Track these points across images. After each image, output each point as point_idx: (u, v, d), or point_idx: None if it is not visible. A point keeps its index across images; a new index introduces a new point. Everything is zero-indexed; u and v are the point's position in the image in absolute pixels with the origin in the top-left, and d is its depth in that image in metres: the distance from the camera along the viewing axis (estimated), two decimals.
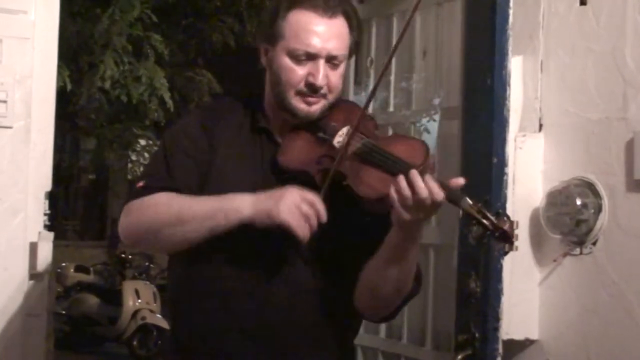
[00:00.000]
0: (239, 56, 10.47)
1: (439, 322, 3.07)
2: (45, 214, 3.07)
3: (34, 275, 3.02)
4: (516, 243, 2.58)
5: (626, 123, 2.50)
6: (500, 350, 2.61)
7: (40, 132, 3.07)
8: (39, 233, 3.03)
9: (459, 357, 2.63)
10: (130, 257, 11.75)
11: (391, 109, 3.37)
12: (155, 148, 4.57)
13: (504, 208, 2.61)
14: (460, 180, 1.92)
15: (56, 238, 3.08)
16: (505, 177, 2.63)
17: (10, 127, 3.02)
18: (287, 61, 2.04)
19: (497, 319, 2.60)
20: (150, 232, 2.05)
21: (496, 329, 2.60)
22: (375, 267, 2.02)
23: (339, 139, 2.05)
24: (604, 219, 2.53)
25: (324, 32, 2.03)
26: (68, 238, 16.58)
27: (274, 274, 2.04)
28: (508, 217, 1.96)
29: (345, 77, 2.18)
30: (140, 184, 2.10)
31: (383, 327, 3.28)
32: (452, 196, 1.90)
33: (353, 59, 2.96)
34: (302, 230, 1.93)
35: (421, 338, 3.14)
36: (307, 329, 2.07)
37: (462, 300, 2.69)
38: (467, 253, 2.66)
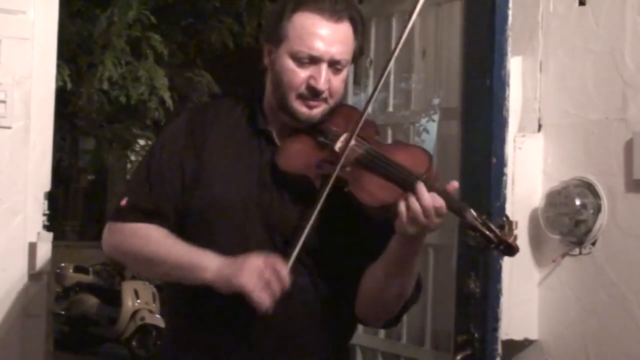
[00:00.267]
0: (238, 57, 10.48)
1: (439, 323, 3.07)
2: (44, 215, 3.06)
3: (32, 276, 3.02)
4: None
5: (625, 123, 2.50)
6: (500, 350, 2.61)
7: (40, 132, 3.07)
8: (38, 233, 3.03)
9: (459, 357, 2.64)
10: None
11: (390, 109, 3.36)
12: None
13: (503, 208, 2.61)
14: (455, 184, 1.92)
15: (55, 238, 3.08)
16: (504, 178, 2.63)
17: (9, 128, 3.01)
18: (289, 63, 2.03)
19: (496, 319, 2.60)
20: (128, 260, 2.16)
21: (495, 329, 2.60)
22: (377, 275, 2.01)
23: (340, 144, 2.03)
24: (603, 219, 2.53)
25: (328, 36, 2.02)
26: (67, 238, 16.55)
27: None
28: (510, 225, 1.94)
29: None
30: (124, 202, 2.11)
31: None
32: (457, 208, 1.90)
33: None
34: (260, 298, 1.90)
35: (420, 338, 3.13)
36: (306, 333, 2.06)
37: (461, 300, 2.69)
38: (467, 253, 2.66)
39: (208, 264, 1.98)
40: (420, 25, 3.24)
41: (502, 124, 2.64)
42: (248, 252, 2.00)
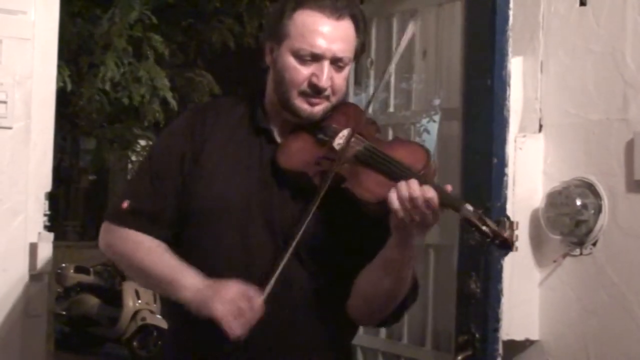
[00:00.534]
0: (239, 57, 10.48)
1: (439, 323, 3.07)
2: (45, 215, 3.06)
3: (33, 276, 3.02)
4: (516, 244, 2.57)
5: (626, 124, 2.50)
6: (501, 350, 2.61)
7: (40, 132, 3.07)
8: (39, 234, 3.03)
9: (459, 357, 2.64)
10: None
11: (391, 109, 3.36)
12: None
13: (504, 208, 2.61)
14: (448, 187, 1.92)
15: (56, 239, 3.08)
16: (505, 178, 2.63)
17: (10, 128, 3.01)
18: (291, 61, 2.03)
19: (497, 319, 2.60)
20: (121, 263, 2.16)
21: (496, 329, 2.60)
22: (371, 275, 2.01)
23: (339, 141, 2.04)
24: (604, 219, 2.53)
25: (330, 34, 2.02)
26: (68, 239, 16.56)
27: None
28: (510, 224, 1.93)
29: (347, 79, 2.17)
30: (125, 204, 2.12)
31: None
32: (452, 203, 1.89)
33: None
34: (230, 326, 1.92)
35: (421, 338, 3.14)
36: (305, 331, 2.07)
37: (462, 300, 2.69)
38: (468, 253, 2.66)
39: (187, 283, 2.00)
40: (421, 25, 3.24)
41: (503, 124, 2.65)
42: (249, 250, 2.01)
